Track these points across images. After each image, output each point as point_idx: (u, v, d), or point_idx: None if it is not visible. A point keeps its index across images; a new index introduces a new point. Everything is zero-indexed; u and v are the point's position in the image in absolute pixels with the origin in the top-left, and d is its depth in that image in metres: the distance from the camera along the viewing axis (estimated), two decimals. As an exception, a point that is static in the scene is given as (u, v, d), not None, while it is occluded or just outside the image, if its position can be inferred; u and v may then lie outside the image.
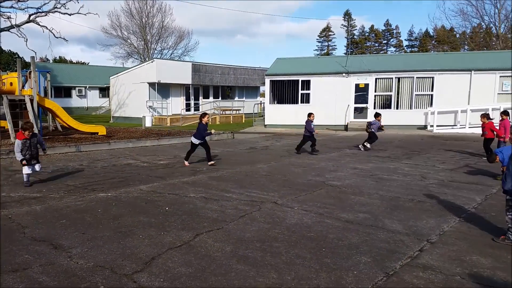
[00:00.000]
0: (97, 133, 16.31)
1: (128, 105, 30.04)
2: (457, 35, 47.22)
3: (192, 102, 31.69)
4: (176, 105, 30.19)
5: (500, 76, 20.67)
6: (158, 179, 8.42)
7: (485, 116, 11.13)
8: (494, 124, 11.05)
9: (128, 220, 5.49)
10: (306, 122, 12.65)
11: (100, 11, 44.07)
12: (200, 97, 32.52)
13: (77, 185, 7.79)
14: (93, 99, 43.26)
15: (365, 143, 13.36)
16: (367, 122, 13.92)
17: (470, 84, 20.92)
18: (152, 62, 29.17)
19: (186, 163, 10.33)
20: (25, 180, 7.74)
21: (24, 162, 7.54)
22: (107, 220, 5.49)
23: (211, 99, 33.01)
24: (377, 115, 13.83)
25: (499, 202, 6.19)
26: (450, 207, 6.24)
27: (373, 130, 13.42)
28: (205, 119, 10.46)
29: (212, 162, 10.26)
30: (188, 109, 31.18)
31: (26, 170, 7.69)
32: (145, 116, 24.45)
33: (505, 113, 10.60)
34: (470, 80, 20.91)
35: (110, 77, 32.25)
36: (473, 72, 20.88)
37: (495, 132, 10.72)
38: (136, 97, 29.24)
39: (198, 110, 31.93)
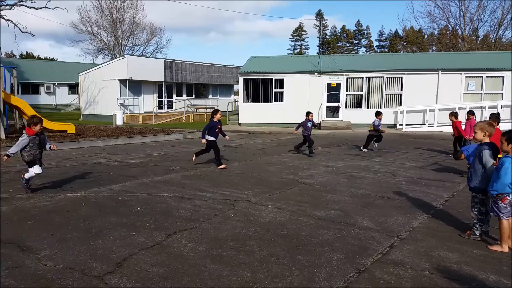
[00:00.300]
0: (66, 131, 15.86)
1: (99, 103, 29.36)
2: (425, 36, 48.60)
3: (165, 99, 31.28)
4: (148, 102, 29.72)
5: (466, 77, 21.42)
6: (130, 178, 8.27)
7: (453, 114, 11.53)
8: (461, 124, 11.47)
9: (99, 221, 5.37)
10: (305, 121, 12.29)
11: (69, 6, 42.60)
12: (173, 95, 32.15)
13: (45, 184, 7.54)
14: (62, 96, 42.06)
15: (374, 144, 12.97)
16: (372, 123, 13.02)
17: (438, 84, 21.59)
18: (123, 58, 28.60)
19: (194, 158, 9.92)
20: (27, 181, 6.79)
21: (6, 157, 6.55)
22: (76, 221, 5.35)
23: (184, 97, 32.69)
24: (377, 114, 13.13)
25: (466, 199, 6.42)
26: (419, 203, 6.42)
27: (374, 130, 12.73)
28: (217, 116, 9.74)
29: (223, 166, 9.54)
30: (161, 107, 30.77)
31: (37, 169, 6.76)
32: (116, 114, 24.00)
33: (471, 113, 10.99)
34: (437, 80, 21.57)
35: (80, 74, 31.43)
36: (440, 72, 21.55)
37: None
38: (106, 94, 28.62)
39: (171, 108, 31.57)
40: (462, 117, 13.25)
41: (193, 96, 33.65)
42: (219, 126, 9.75)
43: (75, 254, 4.22)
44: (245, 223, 5.32)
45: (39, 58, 61.47)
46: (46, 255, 4.20)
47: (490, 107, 20.01)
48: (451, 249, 4.48)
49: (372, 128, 12.77)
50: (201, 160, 10.74)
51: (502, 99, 20.86)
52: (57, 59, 62.01)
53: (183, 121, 27.86)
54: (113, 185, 7.56)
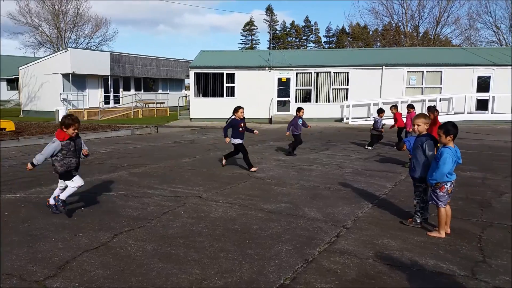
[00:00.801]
0: (5, 128, 14.86)
1: (40, 98, 27.82)
2: (370, 32, 50.46)
3: (111, 94, 30.20)
4: (94, 97, 28.55)
5: (408, 71, 22.50)
6: (74, 177, 7.90)
7: (395, 107, 12.13)
8: (402, 116, 12.12)
9: (40, 223, 5.10)
10: (295, 119, 11.21)
11: (5, -5, 40.04)
12: (121, 89, 31.11)
13: (-22, 186, 7.04)
14: (0, 92, 39.38)
15: (369, 146, 12.44)
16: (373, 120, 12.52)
17: (381, 78, 22.50)
18: (66, 51, 27.27)
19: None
20: (63, 202, 5.36)
21: (29, 166, 5.27)
22: (15, 223, 5.05)
23: (132, 91, 31.72)
24: (380, 111, 12.54)
25: (407, 188, 6.77)
26: (364, 194, 6.67)
27: (375, 129, 12.28)
28: (239, 114, 9.05)
29: (254, 168, 8.65)
30: (107, 102, 29.67)
31: (78, 181, 5.43)
32: (58, 110, 22.80)
33: (410, 106, 11.59)
34: (381, 75, 22.48)
35: (19, 68, 29.54)
36: (384, 67, 22.47)
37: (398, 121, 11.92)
38: (49, 89, 27.16)
39: (119, 103, 30.55)
40: (404, 110, 13.91)
41: (142, 90, 32.74)
42: (242, 125, 8.97)
43: (13, 259, 3.98)
44: (195, 219, 5.28)
45: (-29, 50, 56.98)
46: (-20, 262, 3.92)
47: (430, 100, 21.17)
48: (393, 236, 4.69)
49: (373, 127, 12.38)
50: (150, 157, 10.50)
51: (440, 92, 22.13)
52: (-8, 51, 57.79)
53: (132, 117, 27.05)
54: (55, 185, 7.17)
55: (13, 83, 39.38)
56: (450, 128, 4.59)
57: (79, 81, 27.46)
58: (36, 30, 44.52)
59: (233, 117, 9.14)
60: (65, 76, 26.68)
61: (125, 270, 3.75)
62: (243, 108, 8.99)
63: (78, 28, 46.55)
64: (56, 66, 26.67)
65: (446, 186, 4.63)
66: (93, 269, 3.78)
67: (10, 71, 38.69)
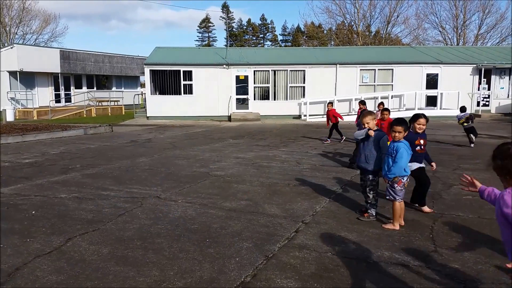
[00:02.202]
0: None
1: (-16, 97, 26.15)
2: (325, 31, 51.51)
3: (62, 92, 28.95)
4: (43, 96, 27.23)
5: (361, 70, 23.19)
6: (23, 179, 7.52)
7: (330, 103, 13.51)
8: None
9: (-15, 229, 4.80)
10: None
11: None
12: (72, 87, 29.87)
13: None
14: None
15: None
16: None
17: (336, 76, 23.04)
18: (11, 48, 25.82)
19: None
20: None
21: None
22: (-44, 232, 4.72)
23: (84, 89, 30.52)
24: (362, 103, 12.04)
25: (362, 182, 6.97)
26: (321, 189, 6.82)
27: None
28: (420, 124, 5.60)
29: (428, 210, 5.60)
30: (58, 101, 28.40)
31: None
32: (5, 110, 21.60)
33: (362, 102, 12.01)
34: (336, 73, 23.02)
35: (-42, 65, 27.60)
36: (338, 65, 23.02)
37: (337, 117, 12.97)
38: (-7, 88, 25.58)
39: (70, 101, 29.33)
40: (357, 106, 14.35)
41: (95, 88, 31.58)
42: (421, 142, 5.55)
43: (-45, 270, 3.73)
44: (153, 220, 5.17)
45: None
46: None
47: (382, 98, 21.93)
48: (350, 230, 4.83)
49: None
50: (104, 157, 10.17)
51: (392, 89, 23.00)
52: None
53: (84, 116, 26.05)
54: (3, 188, 6.82)
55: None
56: (406, 124, 4.85)
57: (27, 78, 26.08)
58: (-22, 25, 41.80)
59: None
60: (12, 73, 25.25)
61: (80, 275, 3.61)
62: (424, 117, 5.64)
63: (25, 23, 44.10)
64: (2, 63, 25.17)
65: (403, 181, 4.82)
66: (46, 275, 3.61)
67: (-51, 68, 36.09)
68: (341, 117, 13.23)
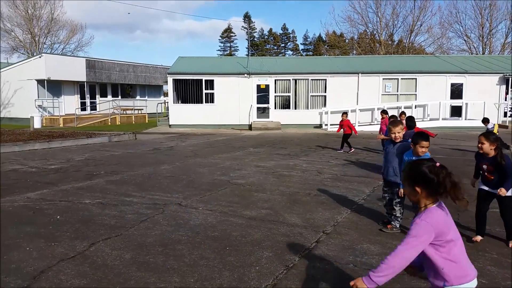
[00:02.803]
0: (-26, 136, 14.40)
1: (14, 105, 27.08)
2: (346, 40, 51.29)
3: (88, 101, 29.68)
4: (69, 104, 27.97)
5: (383, 79, 22.95)
6: (49, 185, 7.72)
7: (345, 113, 13.53)
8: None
9: (13, 232, 4.94)
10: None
11: (-25, -1, 38.89)
12: (97, 96, 30.60)
13: None
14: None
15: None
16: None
17: (358, 85, 22.87)
18: (40, 57, 26.66)
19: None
20: None
21: None
22: (-15, 234, 4.88)
23: (109, 97, 31.24)
24: (384, 113, 12.27)
25: (384, 193, 6.85)
26: (343, 199, 6.74)
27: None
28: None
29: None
30: (83, 109, 29.13)
31: None
32: (33, 117, 22.26)
33: (384, 112, 11.90)
34: (358, 82, 22.85)
35: (-9, 73, 28.71)
36: (360, 74, 22.86)
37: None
38: (23, 95, 26.47)
39: (95, 109, 30.02)
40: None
41: (119, 96, 32.28)
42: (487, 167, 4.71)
43: (-16, 271, 3.84)
44: (174, 227, 5.21)
45: None
46: None
47: (405, 107, 21.63)
48: (372, 241, 4.75)
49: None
50: (128, 164, 10.33)
51: (415, 99, 22.65)
52: (-38, 56, 56.02)
53: (109, 123, 26.61)
54: (30, 193, 7.01)
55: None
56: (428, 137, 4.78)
57: (54, 87, 26.87)
58: (9, 35, 43.40)
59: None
60: (40, 82, 26.07)
61: (102, 280, 3.67)
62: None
63: (53, 33, 45.63)
64: (30, 72, 26.05)
65: None
66: (69, 278, 3.68)
67: (-18, 77, 37.54)
68: (355, 131, 13.22)
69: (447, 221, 2.22)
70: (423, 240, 2.13)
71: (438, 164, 2.22)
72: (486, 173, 4.69)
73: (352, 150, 12.69)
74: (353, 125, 13.34)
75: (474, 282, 2.24)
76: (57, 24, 45.17)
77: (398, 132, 5.09)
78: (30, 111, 24.92)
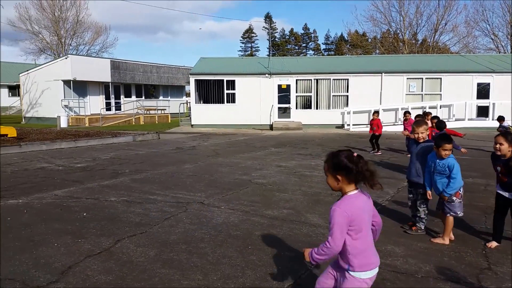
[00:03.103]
0: (7, 135, 14.88)
1: (42, 105, 27.90)
2: (369, 40, 50.64)
3: (112, 101, 30.29)
4: (95, 104, 28.63)
5: (407, 78, 22.57)
6: (75, 183, 7.92)
7: (376, 112, 13.19)
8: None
9: (42, 228, 5.09)
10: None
11: (5, 2, 40.15)
12: (122, 96, 31.20)
13: (-20, 192, 7.04)
14: (2, 99, 39.46)
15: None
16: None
17: (381, 85, 22.56)
18: (66, 58, 27.37)
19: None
20: None
21: None
22: (17, 229, 5.04)
23: (133, 98, 31.82)
24: (408, 113, 12.46)
25: (408, 194, 6.74)
26: (366, 200, 6.65)
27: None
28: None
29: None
30: (108, 109, 29.74)
31: None
32: (60, 116, 22.86)
33: (407, 112, 11.76)
34: (381, 81, 22.54)
35: (20, 75, 29.65)
36: (383, 74, 22.54)
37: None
38: (50, 95, 27.25)
39: (120, 109, 30.61)
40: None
41: (143, 97, 32.83)
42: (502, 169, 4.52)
43: (16, 264, 3.97)
44: (197, 225, 5.26)
45: (-28, 57, 57.21)
46: (-18, 267, 3.92)
47: (430, 107, 21.22)
48: (397, 243, 4.68)
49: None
50: (151, 163, 10.49)
51: (440, 99, 22.19)
52: (-7, 58, 58.00)
53: (133, 123, 27.10)
54: (57, 191, 7.21)
55: (14, 90, 39.48)
56: (452, 140, 4.68)
57: (80, 87, 27.54)
58: (37, 37, 44.74)
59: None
60: (66, 82, 26.76)
61: (127, 276, 3.74)
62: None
63: (78, 35, 46.82)
64: (57, 72, 26.77)
65: (460, 192, 4.65)
66: (95, 274, 3.77)
67: (11, 78, 38.81)
68: (380, 131, 12.86)
69: (363, 208, 2.49)
70: (343, 224, 2.36)
71: (355, 154, 2.47)
72: (500, 175, 4.57)
73: (379, 153, 12.45)
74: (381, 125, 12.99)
75: (375, 270, 2.52)
76: (82, 26, 46.37)
77: (422, 133, 5.01)
78: (56, 111, 25.62)
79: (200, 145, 15.07)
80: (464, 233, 4.99)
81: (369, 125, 13.67)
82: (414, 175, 5.06)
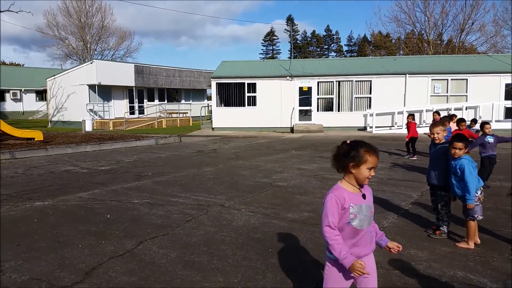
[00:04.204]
0: (34, 138, 15.35)
1: (67, 109, 28.64)
2: (393, 41, 49.88)
3: (136, 105, 30.83)
4: (119, 108, 29.21)
5: (432, 79, 22.12)
6: (99, 185, 8.09)
7: (411, 115, 12.58)
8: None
9: (67, 229, 5.22)
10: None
11: (34, 10, 41.43)
12: (145, 100, 31.73)
13: (11, 194, 7.28)
14: (29, 103, 40.75)
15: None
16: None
17: (405, 87, 22.18)
18: (91, 63, 28.02)
19: None
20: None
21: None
22: (44, 230, 5.19)
23: (156, 101, 32.30)
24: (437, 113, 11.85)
25: (432, 198, 6.60)
26: (388, 204, 6.55)
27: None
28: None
29: None
30: (132, 112, 30.28)
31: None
32: (85, 120, 23.42)
33: (437, 113, 11.48)
34: (405, 83, 22.16)
35: (47, 79, 30.54)
36: (407, 75, 22.15)
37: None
38: (75, 100, 27.94)
39: (143, 113, 31.12)
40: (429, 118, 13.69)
41: (165, 101, 33.29)
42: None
43: (42, 265, 4.08)
44: (218, 227, 5.29)
45: (4, 63, 59.42)
46: (11, 266, 4.04)
47: (456, 109, 20.73)
48: (420, 247, 4.58)
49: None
50: (173, 166, 10.61)
51: (466, 101, 21.64)
52: (23, 64, 60.08)
53: (156, 127, 27.49)
54: (82, 193, 7.37)
55: (41, 94, 40.69)
56: (467, 140, 4.59)
57: (104, 92, 28.15)
58: (63, 43, 46.06)
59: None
60: (91, 87, 27.39)
61: (149, 277, 3.79)
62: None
63: (103, 40, 47.94)
64: (82, 77, 27.44)
65: (477, 194, 4.52)
66: (118, 275, 3.83)
67: (39, 83, 40.00)
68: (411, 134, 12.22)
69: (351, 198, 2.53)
70: (334, 212, 2.52)
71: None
72: None
73: (415, 157, 11.83)
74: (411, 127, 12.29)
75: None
76: (107, 31, 47.43)
77: (438, 133, 4.92)
78: (82, 114, 26.24)
79: (221, 148, 15.16)
80: (490, 238, 4.84)
81: (393, 128, 13.32)
82: (432, 177, 5.00)
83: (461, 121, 9.26)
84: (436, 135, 4.93)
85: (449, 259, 4.23)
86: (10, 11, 23.58)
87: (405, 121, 13.01)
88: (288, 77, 22.94)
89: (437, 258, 4.25)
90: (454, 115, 11.41)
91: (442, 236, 4.87)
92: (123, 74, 28.89)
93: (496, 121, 20.70)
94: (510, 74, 21.38)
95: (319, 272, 3.90)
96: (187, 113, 32.04)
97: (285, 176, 9.02)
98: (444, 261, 4.16)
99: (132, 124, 26.83)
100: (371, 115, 21.70)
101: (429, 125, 11.89)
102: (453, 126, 10.02)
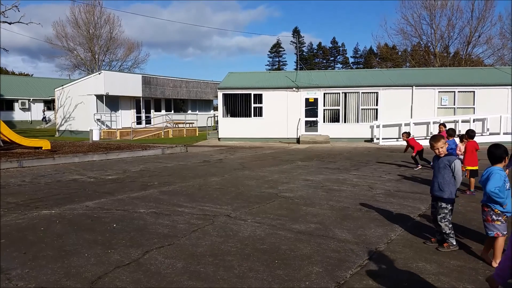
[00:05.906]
0: (41, 147, 15.45)
1: (75, 118, 28.89)
2: (399, 53, 49.91)
3: (143, 115, 31.02)
4: (126, 118, 29.41)
5: (439, 92, 22.06)
6: (106, 194, 8.10)
7: (406, 133, 13.15)
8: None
9: (73, 238, 5.22)
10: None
11: (44, 21, 42.20)
12: (152, 110, 31.94)
13: (18, 202, 7.31)
14: (37, 112, 41.13)
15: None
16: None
17: (412, 98, 22.14)
18: (99, 73, 28.31)
19: None
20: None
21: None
22: (50, 239, 5.19)
23: (163, 112, 32.49)
24: (443, 126, 11.86)
25: (441, 210, 6.53)
26: (396, 216, 6.49)
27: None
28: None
29: None
30: (139, 122, 30.46)
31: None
32: (92, 130, 23.58)
33: (443, 125, 11.46)
34: (412, 95, 22.13)
35: (55, 89, 30.89)
36: (414, 87, 22.13)
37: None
38: (83, 110, 28.20)
39: (150, 123, 31.30)
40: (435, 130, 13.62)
41: (172, 111, 33.48)
42: None
43: (48, 273, 4.08)
44: (224, 238, 5.26)
45: (13, 73, 60.23)
46: (18, 274, 4.04)
47: (463, 121, 20.63)
48: (428, 260, 4.52)
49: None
50: (179, 176, 10.62)
51: (474, 113, 21.54)
52: (32, 74, 60.87)
53: (162, 137, 27.62)
54: (88, 202, 7.39)
55: (49, 104, 41.07)
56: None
57: (112, 102, 28.39)
58: (72, 54, 46.64)
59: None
60: (99, 97, 27.63)
61: (155, 287, 3.76)
62: None
63: (111, 51, 48.50)
64: (90, 87, 27.72)
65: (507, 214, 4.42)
66: (124, 285, 3.81)
67: (47, 92, 40.40)
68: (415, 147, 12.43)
69: None
70: None
71: None
72: None
73: (419, 167, 12.08)
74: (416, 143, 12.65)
75: None
76: (115, 43, 47.99)
77: (441, 147, 4.92)
78: (89, 124, 26.45)
79: (227, 158, 15.16)
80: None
81: (400, 139, 13.51)
82: (436, 189, 4.99)
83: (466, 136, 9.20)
84: (440, 150, 4.94)
85: (458, 272, 4.17)
86: (21, 22, 23.90)
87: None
88: (294, 88, 23.01)
89: (445, 272, 4.19)
90: (443, 125, 11.75)
91: (450, 249, 4.81)
92: (130, 85, 29.15)
93: (504, 133, 20.56)
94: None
95: (327, 284, 3.85)
96: (193, 123, 32.17)
97: (291, 187, 8.99)
98: (453, 275, 4.10)
99: (139, 134, 26.97)
100: (378, 126, 21.64)
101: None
102: (456, 139, 9.98)
